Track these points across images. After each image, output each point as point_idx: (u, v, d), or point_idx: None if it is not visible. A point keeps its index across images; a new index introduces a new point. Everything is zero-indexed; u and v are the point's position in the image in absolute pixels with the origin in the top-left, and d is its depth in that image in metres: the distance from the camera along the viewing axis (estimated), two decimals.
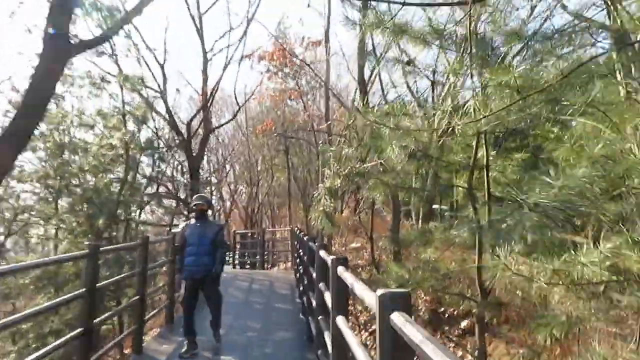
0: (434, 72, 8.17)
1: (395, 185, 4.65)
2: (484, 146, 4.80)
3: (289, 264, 18.51)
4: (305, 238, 8.50)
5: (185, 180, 14.03)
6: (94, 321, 4.60)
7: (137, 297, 6.20)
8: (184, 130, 13.60)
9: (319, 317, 4.95)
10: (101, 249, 4.94)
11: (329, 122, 13.16)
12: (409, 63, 5.96)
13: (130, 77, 11.71)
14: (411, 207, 21.93)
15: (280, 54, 14.39)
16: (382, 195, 4.66)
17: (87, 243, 4.73)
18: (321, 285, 4.66)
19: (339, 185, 4.39)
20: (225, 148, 30.18)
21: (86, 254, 4.55)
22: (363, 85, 7.72)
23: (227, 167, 30.12)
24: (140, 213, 20.15)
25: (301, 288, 9.82)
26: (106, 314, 5.39)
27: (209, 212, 6.35)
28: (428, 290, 4.77)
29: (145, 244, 6.43)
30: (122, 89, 12.33)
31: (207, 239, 5.89)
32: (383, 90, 11.36)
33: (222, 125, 17.40)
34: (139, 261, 6.46)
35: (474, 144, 4.94)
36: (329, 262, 3.84)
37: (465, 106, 5.29)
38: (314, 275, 5.49)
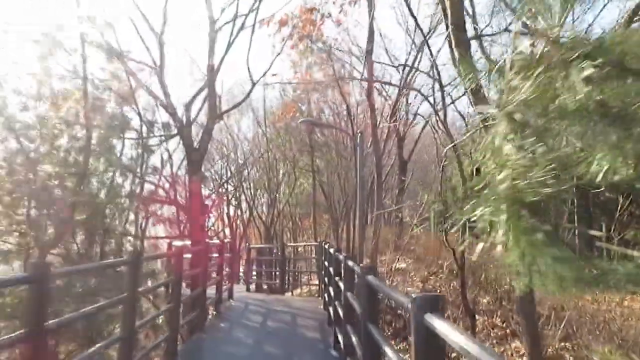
0: None
1: None
2: None
3: (313, 287, 15.12)
4: (350, 264, 5.11)
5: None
6: None
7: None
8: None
9: None
10: None
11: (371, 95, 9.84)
12: None
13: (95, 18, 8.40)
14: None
15: (309, 20, 11.22)
16: None
17: None
18: None
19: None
20: (242, 151, 27.16)
21: None
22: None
23: (245, 172, 26.99)
24: (142, 224, 16.94)
25: (338, 334, 6.50)
26: None
27: None
28: None
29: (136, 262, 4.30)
30: (82, 44, 9.05)
31: None
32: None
33: (232, 108, 14.10)
34: (127, 285, 4.53)
35: None
36: None
37: None
38: None
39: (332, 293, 7.83)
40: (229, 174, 28.11)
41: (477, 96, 4.65)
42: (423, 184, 22.62)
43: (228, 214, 30.02)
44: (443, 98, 8.28)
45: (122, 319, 4.77)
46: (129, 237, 13.91)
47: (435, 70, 10.02)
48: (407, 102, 15.40)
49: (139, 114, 10.13)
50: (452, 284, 9.89)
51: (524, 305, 4.13)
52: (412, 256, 12.62)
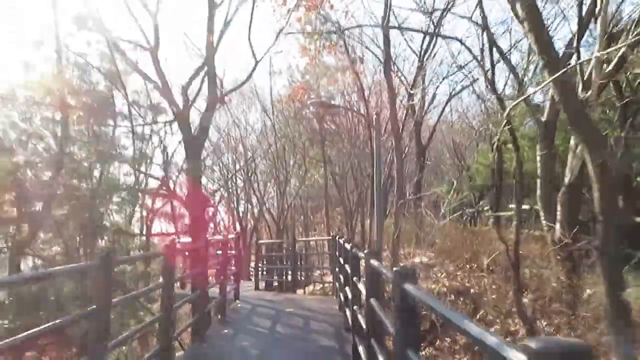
0: None
1: None
2: None
3: (327, 285, 14.10)
4: (375, 265, 4.07)
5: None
6: None
7: None
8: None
9: None
10: None
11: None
12: None
13: None
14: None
15: None
16: None
17: None
18: None
19: None
20: (250, 144, 26.16)
21: None
22: None
23: (254, 165, 25.99)
24: (145, 219, 16.01)
25: (358, 345, 5.50)
26: None
27: None
28: None
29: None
30: (55, 9, 8.09)
31: None
32: None
33: (235, 88, 12.93)
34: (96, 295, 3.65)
35: None
36: None
37: None
38: None
39: (349, 295, 6.81)
40: (237, 167, 27.16)
41: (542, 41, 3.56)
42: (441, 172, 21.44)
43: (237, 208, 29.11)
44: (491, 49, 6.87)
45: (90, 338, 3.84)
46: (133, 235, 12.97)
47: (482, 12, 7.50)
48: (424, 79, 14.03)
49: (126, 97, 9.07)
50: (483, 281, 8.81)
51: (618, 318, 3.03)
52: (435, 250, 11.51)
